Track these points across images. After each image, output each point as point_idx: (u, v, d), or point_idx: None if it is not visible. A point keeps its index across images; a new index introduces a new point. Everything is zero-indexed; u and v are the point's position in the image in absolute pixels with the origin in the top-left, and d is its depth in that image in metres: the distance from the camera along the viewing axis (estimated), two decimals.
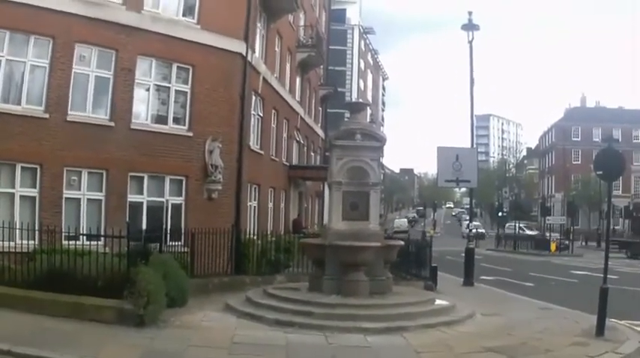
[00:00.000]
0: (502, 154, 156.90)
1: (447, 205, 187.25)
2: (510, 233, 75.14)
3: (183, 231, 22.80)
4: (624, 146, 79.10)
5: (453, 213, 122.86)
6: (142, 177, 23.26)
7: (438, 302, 19.99)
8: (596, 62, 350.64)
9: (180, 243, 22.00)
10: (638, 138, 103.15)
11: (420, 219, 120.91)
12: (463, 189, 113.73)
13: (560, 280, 32.99)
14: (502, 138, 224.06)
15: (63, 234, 18.70)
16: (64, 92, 21.29)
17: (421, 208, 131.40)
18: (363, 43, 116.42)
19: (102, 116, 22.34)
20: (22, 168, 20.54)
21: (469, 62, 30.70)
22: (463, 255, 29.67)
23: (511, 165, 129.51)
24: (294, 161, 40.95)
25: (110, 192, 22.17)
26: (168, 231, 22.13)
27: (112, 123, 22.34)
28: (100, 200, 22.13)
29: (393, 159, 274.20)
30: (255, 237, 24.58)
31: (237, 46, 25.83)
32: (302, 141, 43.77)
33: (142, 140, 22.98)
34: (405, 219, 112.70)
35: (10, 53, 20.55)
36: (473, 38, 30.23)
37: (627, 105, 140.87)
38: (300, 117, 42.21)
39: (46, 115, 20.88)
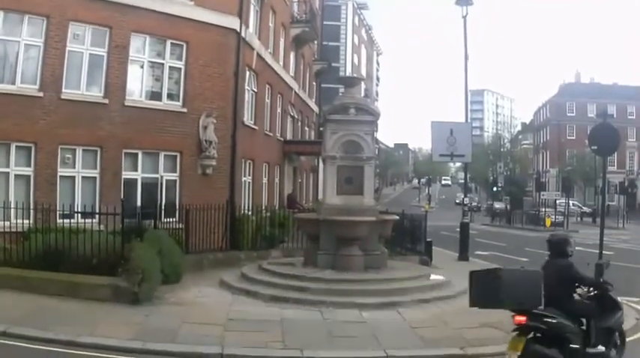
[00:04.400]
0: (497, 129, 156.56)
1: (444, 181, 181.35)
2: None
3: (177, 207, 22.81)
4: (619, 122, 78.79)
5: (457, 201, 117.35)
6: (137, 154, 23.21)
7: (433, 277, 20.10)
8: (590, 38, 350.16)
9: (174, 219, 22.05)
10: (632, 114, 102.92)
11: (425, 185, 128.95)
12: (458, 164, 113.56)
13: None
14: (497, 113, 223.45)
15: (58, 212, 18.75)
16: (59, 70, 21.23)
17: (427, 177, 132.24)
18: (357, 18, 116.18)
19: (96, 93, 22.29)
20: (16, 147, 20.52)
21: (463, 37, 30.70)
22: (458, 229, 29.74)
23: (506, 141, 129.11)
24: (289, 136, 40.90)
25: (105, 170, 22.15)
26: (163, 208, 22.17)
27: (106, 101, 22.27)
28: (95, 177, 22.11)
29: (388, 134, 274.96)
30: (249, 213, 24.59)
31: (231, 21, 25.71)
32: (296, 116, 43.68)
33: (136, 117, 22.92)
34: (416, 180, 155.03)
35: (5, 33, 20.50)
36: (467, 13, 30.29)
37: (622, 81, 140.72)
38: (295, 92, 42.06)
39: (41, 94, 20.81)
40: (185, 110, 24.31)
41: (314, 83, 53.28)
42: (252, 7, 30.23)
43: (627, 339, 13.74)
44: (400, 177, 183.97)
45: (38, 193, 20.48)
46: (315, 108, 51.93)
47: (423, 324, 14.42)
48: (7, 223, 18.28)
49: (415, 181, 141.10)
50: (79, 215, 18.49)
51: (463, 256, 27.78)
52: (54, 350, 11.62)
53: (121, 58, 22.70)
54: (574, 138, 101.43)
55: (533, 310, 9.85)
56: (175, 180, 24.27)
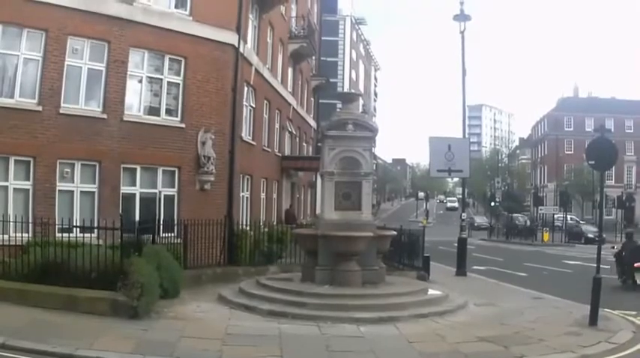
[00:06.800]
0: (494, 144, 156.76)
1: (450, 203, 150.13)
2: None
3: (176, 222, 22.80)
4: (617, 136, 78.91)
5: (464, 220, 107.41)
6: (135, 169, 23.22)
7: (430, 292, 20.11)
8: (588, 52, 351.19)
9: (173, 234, 22.02)
10: (630, 127, 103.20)
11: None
12: (456, 179, 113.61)
13: (553, 270, 33.08)
14: (494, 128, 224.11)
15: (56, 226, 18.77)
16: (57, 85, 21.22)
17: (425, 192, 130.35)
18: (354, 33, 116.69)
19: (94, 108, 22.26)
20: (15, 161, 20.48)
21: (461, 52, 30.75)
22: (456, 244, 29.77)
23: (503, 155, 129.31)
24: (287, 152, 40.95)
25: (103, 184, 22.13)
26: (161, 223, 22.16)
27: (105, 115, 22.27)
28: (93, 192, 22.09)
29: (386, 150, 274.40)
30: (248, 228, 24.60)
31: (230, 37, 25.79)
32: (294, 132, 43.75)
33: (134, 132, 22.94)
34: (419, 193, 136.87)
35: (4, 46, 20.49)
36: (465, 29, 30.27)
37: (619, 95, 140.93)
38: (293, 107, 42.18)
39: (39, 108, 20.81)
40: (183, 125, 24.34)
41: (312, 99, 53.40)
42: (250, 22, 30.34)
43: (625, 352, 13.85)
44: (398, 192, 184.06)
45: (37, 207, 20.46)
46: (313, 124, 52.01)
47: (420, 339, 14.41)
48: (6, 236, 18.20)
49: (419, 194, 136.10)
50: (78, 229, 18.54)
51: (461, 271, 27.80)
52: None
53: (120, 72, 22.69)
54: (572, 152, 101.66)
55: None
56: (174, 196, 24.27)
